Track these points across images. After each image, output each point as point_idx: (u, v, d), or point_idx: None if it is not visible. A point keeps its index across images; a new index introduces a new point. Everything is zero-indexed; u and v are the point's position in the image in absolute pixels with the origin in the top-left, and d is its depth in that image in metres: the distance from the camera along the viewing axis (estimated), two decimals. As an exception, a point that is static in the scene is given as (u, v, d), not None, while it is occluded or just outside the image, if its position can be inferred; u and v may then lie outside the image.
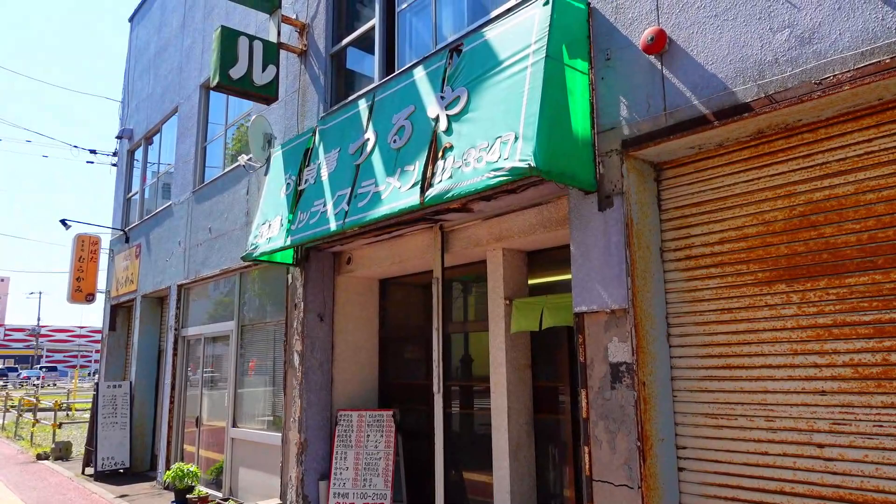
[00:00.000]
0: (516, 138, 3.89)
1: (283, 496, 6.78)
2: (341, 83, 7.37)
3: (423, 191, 4.45)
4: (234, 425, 8.24)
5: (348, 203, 5.30)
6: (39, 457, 12.79)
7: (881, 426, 3.07)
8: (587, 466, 3.94)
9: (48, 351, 71.60)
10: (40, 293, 73.72)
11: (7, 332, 74.49)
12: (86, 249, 12.82)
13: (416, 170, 4.63)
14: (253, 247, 6.55)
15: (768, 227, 3.61)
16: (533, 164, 3.69)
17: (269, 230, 6.38)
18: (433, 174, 4.45)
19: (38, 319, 70.29)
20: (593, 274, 4.05)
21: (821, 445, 3.27)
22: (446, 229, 5.93)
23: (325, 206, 5.61)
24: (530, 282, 5.83)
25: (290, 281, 7.26)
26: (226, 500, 7.82)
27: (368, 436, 6.60)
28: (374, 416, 6.68)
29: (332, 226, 5.37)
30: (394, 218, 4.96)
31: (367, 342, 7.47)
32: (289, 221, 6.05)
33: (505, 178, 3.86)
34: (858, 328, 3.20)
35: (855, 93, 3.11)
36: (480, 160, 4.08)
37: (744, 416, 3.58)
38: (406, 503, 6.68)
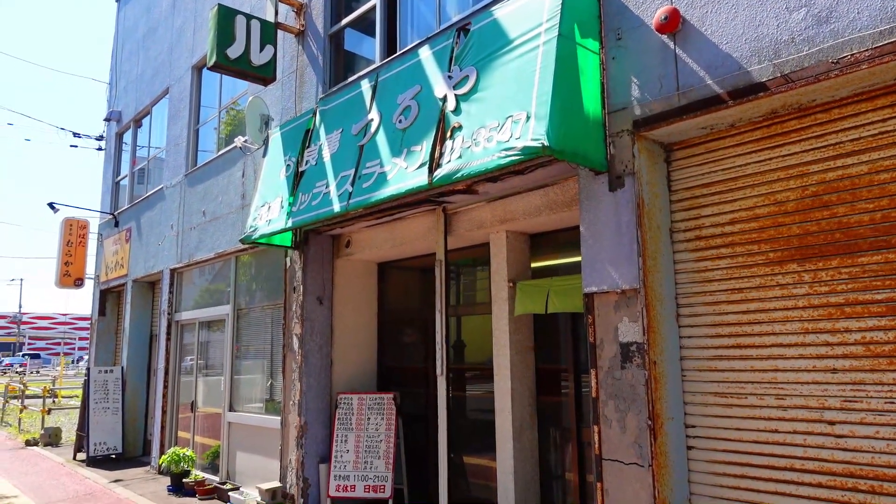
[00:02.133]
0: (528, 117, 3.86)
1: (282, 479, 6.77)
2: (340, 64, 7.28)
3: (431, 171, 4.41)
4: (231, 409, 8.20)
5: (352, 184, 5.24)
6: (28, 443, 12.66)
7: (893, 402, 3.11)
8: (597, 445, 3.96)
9: (30, 338, 70.74)
10: (21, 280, 72.66)
11: (-12, 320, 73.45)
12: (74, 233, 12.62)
13: (423, 150, 4.59)
14: (252, 229, 6.48)
15: (780, 208, 3.62)
16: (546, 143, 3.67)
17: (269, 212, 6.31)
18: (441, 154, 4.42)
19: (20, 306, 69.33)
20: (603, 254, 4.05)
21: (832, 423, 3.30)
22: (449, 212, 5.90)
23: (327, 187, 5.55)
24: (533, 265, 5.82)
25: (288, 264, 7.21)
26: (223, 483, 7.79)
27: (369, 419, 6.59)
28: (375, 399, 6.67)
29: (336, 207, 5.32)
30: (399, 199, 4.92)
31: (365, 326, 7.44)
32: (289, 203, 5.99)
33: (517, 157, 3.83)
34: (871, 307, 3.23)
35: (872, 72, 3.11)
36: (491, 140, 4.04)
37: (754, 394, 3.61)
38: (406, 486, 6.70)
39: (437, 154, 4.44)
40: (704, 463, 3.78)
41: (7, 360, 53.06)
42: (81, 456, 10.69)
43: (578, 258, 5.53)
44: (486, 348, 6.41)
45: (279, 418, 7.11)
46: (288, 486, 6.65)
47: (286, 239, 6.94)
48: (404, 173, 4.70)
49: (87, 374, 10.91)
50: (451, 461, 6.20)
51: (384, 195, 4.81)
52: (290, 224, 5.89)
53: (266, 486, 6.49)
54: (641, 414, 3.75)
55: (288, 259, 7.22)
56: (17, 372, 36.87)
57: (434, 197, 5.48)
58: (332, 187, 5.48)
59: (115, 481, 8.93)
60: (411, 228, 6.34)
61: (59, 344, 70.34)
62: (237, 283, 8.48)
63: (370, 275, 7.59)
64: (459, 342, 6.89)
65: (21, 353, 60.10)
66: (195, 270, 9.65)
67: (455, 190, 5.27)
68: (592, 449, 3.99)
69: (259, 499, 6.50)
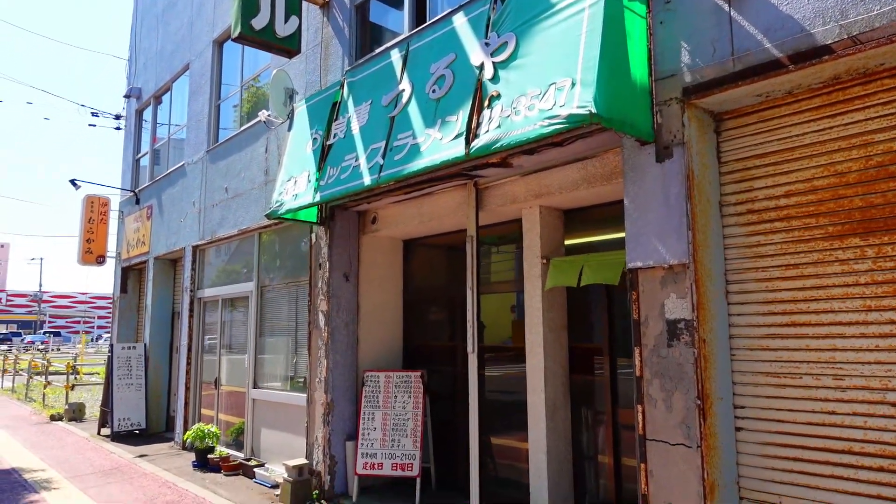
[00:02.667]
0: (573, 84, 3.69)
1: (308, 456, 6.74)
2: (366, 36, 7.10)
3: (468, 142, 4.25)
4: (255, 386, 8.17)
5: (383, 156, 5.10)
6: (53, 418, 12.80)
7: (965, 384, 2.95)
8: (640, 426, 3.84)
9: (50, 317, 71.90)
10: (41, 259, 73.57)
11: (9, 298, 74.72)
12: (95, 211, 12.62)
13: (459, 120, 4.43)
14: (278, 204, 6.37)
15: (841, 179, 3.43)
16: (593, 110, 3.50)
17: (296, 187, 6.19)
18: (479, 124, 4.26)
19: (40, 285, 70.36)
20: (650, 228, 3.89)
21: (895, 404, 3.15)
22: (481, 186, 5.74)
23: (356, 160, 5.42)
24: (567, 242, 5.67)
25: (313, 240, 7.11)
26: (248, 460, 7.79)
27: (396, 397, 6.51)
28: (402, 377, 6.59)
29: (366, 180, 5.18)
30: (432, 172, 4.78)
31: (391, 303, 7.35)
32: (317, 177, 5.86)
33: (561, 125, 3.66)
34: (942, 283, 3.05)
35: (953, 31, 2.90)
36: (532, 108, 3.88)
37: (809, 374, 3.45)
38: (433, 465, 6.64)
39: (474, 124, 4.28)
40: (754, 445, 3.64)
41: (29, 338, 53.97)
42: (106, 431, 10.78)
43: (615, 235, 5.39)
44: (514, 327, 6.30)
45: (304, 395, 7.07)
46: (314, 463, 6.62)
47: (311, 214, 6.84)
48: (439, 144, 4.55)
49: (111, 351, 10.97)
50: (480, 440, 6.12)
51: (417, 167, 4.67)
52: (317, 198, 5.77)
53: (292, 462, 6.45)
54: (689, 393, 3.61)
55: (313, 235, 7.12)
56: (38, 349, 37.46)
57: (467, 170, 5.33)
58: (362, 160, 5.34)
59: (140, 456, 8.98)
60: (440, 204, 6.20)
61: (78, 322, 71.43)
62: (261, 260, 8.40)
63: (395, 252, 7.48)
64: (494, 318, 6.78)
65: (42, 331, 61.11)
66: (218, 247, 9.60)
67: (489, 163, 5.12)
68: (636, 429, 3.87)
69: (285, 475, 6.47)
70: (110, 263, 13.21)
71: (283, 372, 7.87)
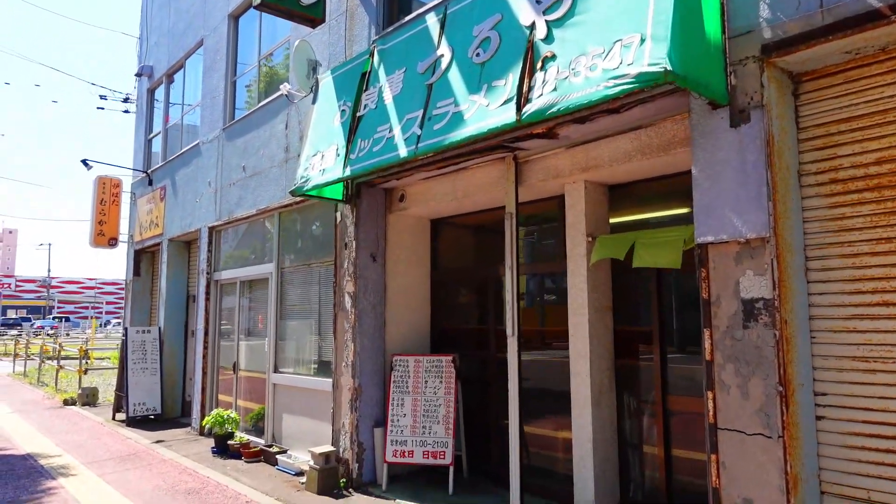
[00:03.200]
0: (643, 40, 3.36)
1: (335, 443, 6.48)
2: (394, 4, 6.75)
3: (519, 108, 3.93)
4: (276, 371, 7.92)
5: (420, 126, 4.78)
6: (66, 402, 12.63)
7: None
8: (711, 414, 3.54)
9: (59, 302, 72.15)
10: (49, 244, 73.69)
11: (18, 283, 74.99)
12: (107, 192, 12.36)
13: (508, 84, 4.10)
14: (303, 180, 6.06)
15: (944, 143, 3.10)
16: (668, 67, 3.17)
17: (323, 161, 5.88)
18: (531, 88, 3.93)
19: (49, 271, 70.54)
20: (722, 200, 3.56)
21: None
22: (521, 160, 5.42)
23: (390, 131, 5.10)
24: (612, 220, 5.35)
25: (339, 219, 6.81)
26: (269, 446, 7.55)
27: (426, 382, 6.24)
28: (433, 362, 6.31)
29: (402, 152, 4.87)
30: (475, 142, 4.46)
31: (418, 285, 7.06)
32: (347, 151, 5.55)
33: (629, 86, 3.34)
34: None
35: None
36: (595, 68, 3.55)
37: (905, 358, 3.14)
38: (465, 453, 6.38)
39: (525, 88, 3.95)
40: (837, 435, 3.33)
41: (38, 323, 54.14)
42: (120, 416, 10.58)
43: (667, 212, 5.07)
44: (550, 310, 6.00)
45: (328, 380, 6.80)
46: (341, 450, 6.36)
47: (337, 192, 6.53)
48: (485, 111, 4.22)
49: (125, 335, 10.74)
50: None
51: (461, 136, 4.35)
52: (347, 173, 5.46)
53: (318, 450, 6.20)
54: (769, 379, 3.31)
55: (338, 214, 6.82)
56: (48, 334, 37.47)
57: (508, 142, 5.01)
58: (397, 131, 5.02)
59: (157, 442, 8.77)
60: (475, 179, 5.88)
61: (87, 308, 71.58)
62: (281, 241, 8.12)
63: (423, 232, 7.18)
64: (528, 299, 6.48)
65: (51, 317, 61.29)
66: (235, 228, 9.32)
67: (533, 134, 4.81)
68: (706, 418, 3.57)
69: (311, 463, 6.22)
70: (122, 247, 12.97)
71: (305, 356, 7.61)
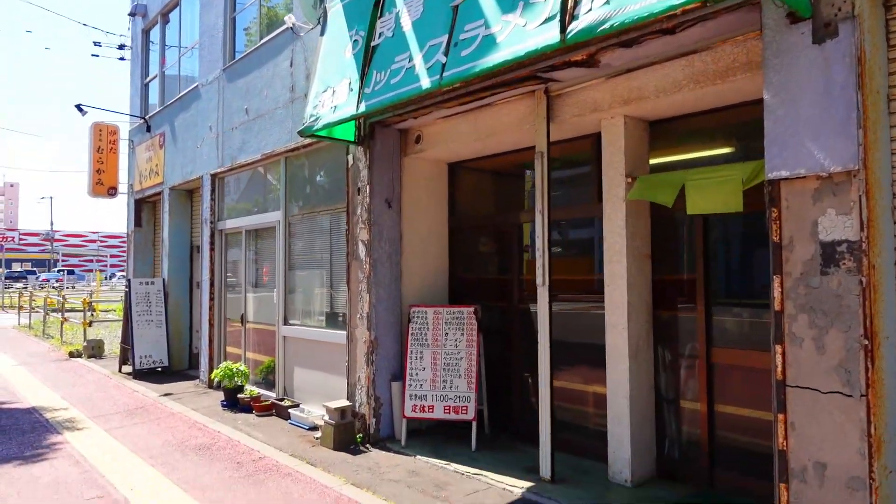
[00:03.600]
0: (717, -63, 2.85)
1: (350, 397, 6.20)
2: (408, -77, 6.11)
3: (563, 26, 3.43)
4: (286, 323, 7.61)
5: (445, 54, 4.28)
6: (72, 354, 12.44)
7: None
8: (779, 370, 3.18)
9: (64, 255, 72.18)
10: (51, 198, 73.19)
11: (22, 237, 74.92)
12: (104, 139, 11.84)
13: (550, 0, 3.59)
14: (313, 118, 5.59)
15: None
16: (751, -33, 2.67)
17: (334, 97, 5.39)
18: (576, 3, 3.42)
19: (52, 224, 70.31)
20: (800, 128, 3.11)
21: None
22: (553, 93, 4.93)
23: (410, 60, 4.59)
24: (652, 161, 4.90)
25: (350, 162, 6.35)
26: (280, 400, 7.30)
27: (447, 334, 5.91)
28: (453, 313, 5.96)
29: (424, 83, 4.38)
30: (506, 71, 3.99)
31: (435, 233, 6.66)
32: (361, 85, 5.06)
33: (701, -8, 2.84)
34: None
35: None
36: (656, -26, 3.04)
37: None
38: (486, 408, 6.10)
39: (570, 4, 3.45)
40: (923, 393, 2.98)
41: (44, 276, 54.18)
42: (127, 369, 10.37)
43: (715, 151, 4.61)
44: (576, 259, 5.61)
45: (342, 332, 6.48)
46: (357, 404, 6.09)
47: (349, 132, 6.07)
48: (522, 33, 3.72)
49: (128, 286, 10.42)
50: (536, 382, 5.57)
51: (494, 62, 3.85)
52: (362, 109, 4.98)
53: (334, 404, 5.92)
54: (851, 331, 2.93)
55: (350, 157, 6.36)
56: (53, 287, 37.43)
57: (542, 72, 4.52)
58: (418, 60, 4.51)
59: (165, 395, 8.54)
60: (501, 117, 5.40)
61: (91, 261, 71.65)
62: (288, 187, 7.68)
63: (440, 176, 6.73)
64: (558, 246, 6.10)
65: (56, 270, 61.33)
66: (239, 175, 8.87)
67: (572, 61, 4.31)
68: (773, 374, 3.21)
69: (326, 417, 5.95)
70: (123, 198, 12.54)
71: (317, 307, 7.27)
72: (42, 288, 37.64)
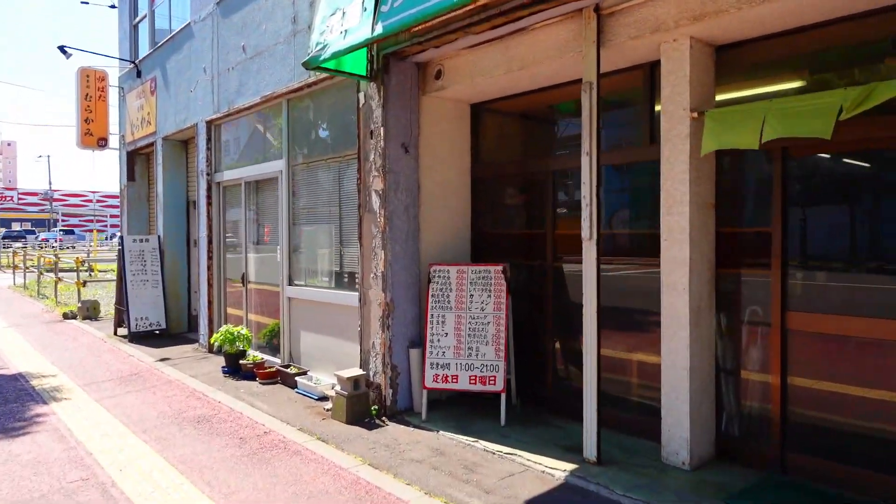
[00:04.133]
0: None
1: (363, 365, 5.61)
2: None
3: None
4: (291, 284, 6.97)
5: (482, -44, 3.52)
6: (66, 316, 11.89)
7: None
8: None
9: (63, 215, 71.47)
10: (48, 156, 72.04)
11: (21, 196, 74.11)
12: (92, 86, 11.02)
13: None
14: (320, 47, 4.84)
15: None
16: None
17: (344, 21, 4.63)
18: None
19: (49, 183, 69.43)
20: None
21: None
22: (604, 11, 4.17)
23: (437, -31, 3.82)
24: (718, 97, 4.17)
25: (362, 101, 5.61)
26: (286, 366, 6.72)
27: (472, 296, 5.27)
28: (479, 273, 5.31)
29: (455, -6, 3.63)
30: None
31: (456, 183, 5.96)
32: (377, 2, 4.29)
33: None
34: None
35: None
36: None
37: None
38: (514, 377, 5.50)
39: None
40: None
41: (43, 236, 53.57)
42: (122, 331, 9.81)
43: (800, 82, 3.88)
44: (629, 209, 4.93)
45: (353, 294, 5.85)
46: (371, 373, 5.50)
47: (360, 65, 5.32)
48: (584, -81, 2.96)
49: (121, 244, 9.77)
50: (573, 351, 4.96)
51: (546, -40, 3.10)
52: (378, 31, 4.23)
53: (346, 373, 5.33)
54: None
55: (361, 95, 5.61)
56: (52, 247, 36.88)
57: (597, -19, 3.75)
58: (446, -32, 3.75)
59: (162, 360, 7.99)
60: (538, 44, 4.63)
61: (91, 221, 70.92)
62: (291, 133, 6.94)
63: (462, 119, 5.99)
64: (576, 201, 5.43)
65: (56, 229, 60.69)
66: (237, 121, 8.11)
67: (636, -35, 3.54)
68: (907, 346, 2.56)
69: (338, 388, 5.37)
70: (116, 152, 11.78)
71: (324, 267, 6.63)
72: (42, 248, 37.12)
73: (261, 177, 7.53)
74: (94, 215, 71.93)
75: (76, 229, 64.24)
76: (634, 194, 4.98)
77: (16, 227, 65.83)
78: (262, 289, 7.75)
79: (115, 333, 9.93)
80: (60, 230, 57.73)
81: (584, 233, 4.21)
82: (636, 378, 4.81)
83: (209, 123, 8.41)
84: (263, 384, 6.66)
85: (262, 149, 7.63)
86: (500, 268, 5.27)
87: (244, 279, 7.98)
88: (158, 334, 9.66)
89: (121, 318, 9.86)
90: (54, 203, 69.47)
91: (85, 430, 5.20)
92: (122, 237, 10.09)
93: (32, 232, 59.48)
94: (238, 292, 8.19)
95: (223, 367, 7.23)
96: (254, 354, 7.23)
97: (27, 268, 19.29)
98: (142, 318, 9.47)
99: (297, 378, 6.34)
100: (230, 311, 8.49)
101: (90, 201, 76.83)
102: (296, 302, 6.91)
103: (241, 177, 7.92)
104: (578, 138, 4.38)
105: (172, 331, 9.92)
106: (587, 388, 4.25)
